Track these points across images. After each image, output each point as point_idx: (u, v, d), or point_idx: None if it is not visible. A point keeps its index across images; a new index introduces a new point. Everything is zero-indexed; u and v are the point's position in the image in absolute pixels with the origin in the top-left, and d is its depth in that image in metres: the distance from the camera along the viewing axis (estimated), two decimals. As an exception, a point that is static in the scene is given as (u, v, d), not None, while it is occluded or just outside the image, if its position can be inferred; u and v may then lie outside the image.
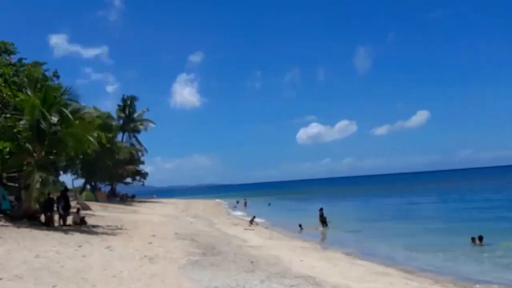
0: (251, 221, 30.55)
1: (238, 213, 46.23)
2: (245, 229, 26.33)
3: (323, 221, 28.74)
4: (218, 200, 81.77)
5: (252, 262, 12.20)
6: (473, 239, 19.18)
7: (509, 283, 12.51)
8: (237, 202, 64.62)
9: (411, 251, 18.29)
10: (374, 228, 26.87)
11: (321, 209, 29.57)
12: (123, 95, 71.25)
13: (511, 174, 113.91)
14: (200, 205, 59.57)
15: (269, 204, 57.27)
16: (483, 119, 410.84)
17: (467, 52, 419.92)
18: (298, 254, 15.94)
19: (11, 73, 21.74)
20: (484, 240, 18.82)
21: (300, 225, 28.18)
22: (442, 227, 25.55)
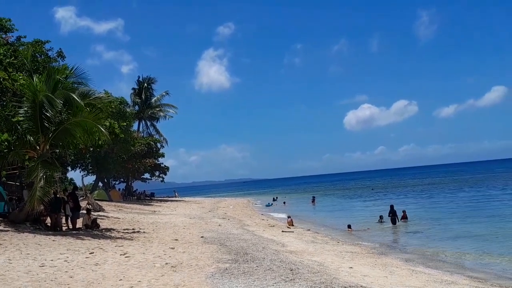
0: (290, 222, 30.58)
1: (275, 213, 46.29)
2: (283, 231, 26.35)
3: (393, 219, 29.80)
4: (250, 198, 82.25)
5: (291, 270, 12.17)
6: None
7: None
8: (273, 199, 64.82)
9: (484, 255, 17.96)
10: (438, 228, 26.52)
11: (391, 206, 30.85)
12: (139, 77, 72.17)
13: None
14: (229, 204, 60.05)
15: (314, 200, 57.26)
16: None
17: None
18: (347, 260, 15.85)
19: (8, 53, 22.13)
20: None
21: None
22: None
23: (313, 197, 59.53)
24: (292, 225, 29.97)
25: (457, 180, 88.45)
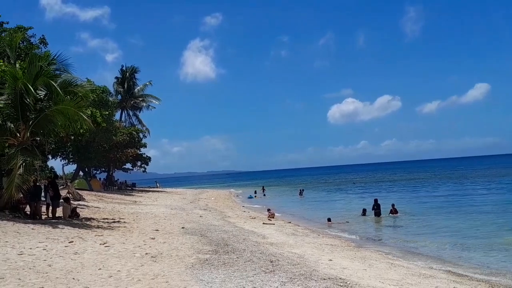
0: (270, 214, 30.70)
1: (256, 205, 46.36)
2: (264, 223, 26.41)
3: (377, 213, 30.20)
4: (232, 190, 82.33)
5: (271, 262, 12.23)
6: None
7: None
8: (255, 192, 64.96)
9: (462, 249, 18.18)
10: (418, 223, 26.77)
11: (375, 200, 31.26)
12: (122, 66, 71.61)
13: None
14: (211, 195, 60.00)
15: (301, 193, 57.44)
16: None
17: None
18: (327, 253, 15.96)
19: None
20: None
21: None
22: (501, 222, 25.20)
23: (301, 189, 59.74)
24: (273, 218, 30.07)
25: (439, 175, 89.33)
